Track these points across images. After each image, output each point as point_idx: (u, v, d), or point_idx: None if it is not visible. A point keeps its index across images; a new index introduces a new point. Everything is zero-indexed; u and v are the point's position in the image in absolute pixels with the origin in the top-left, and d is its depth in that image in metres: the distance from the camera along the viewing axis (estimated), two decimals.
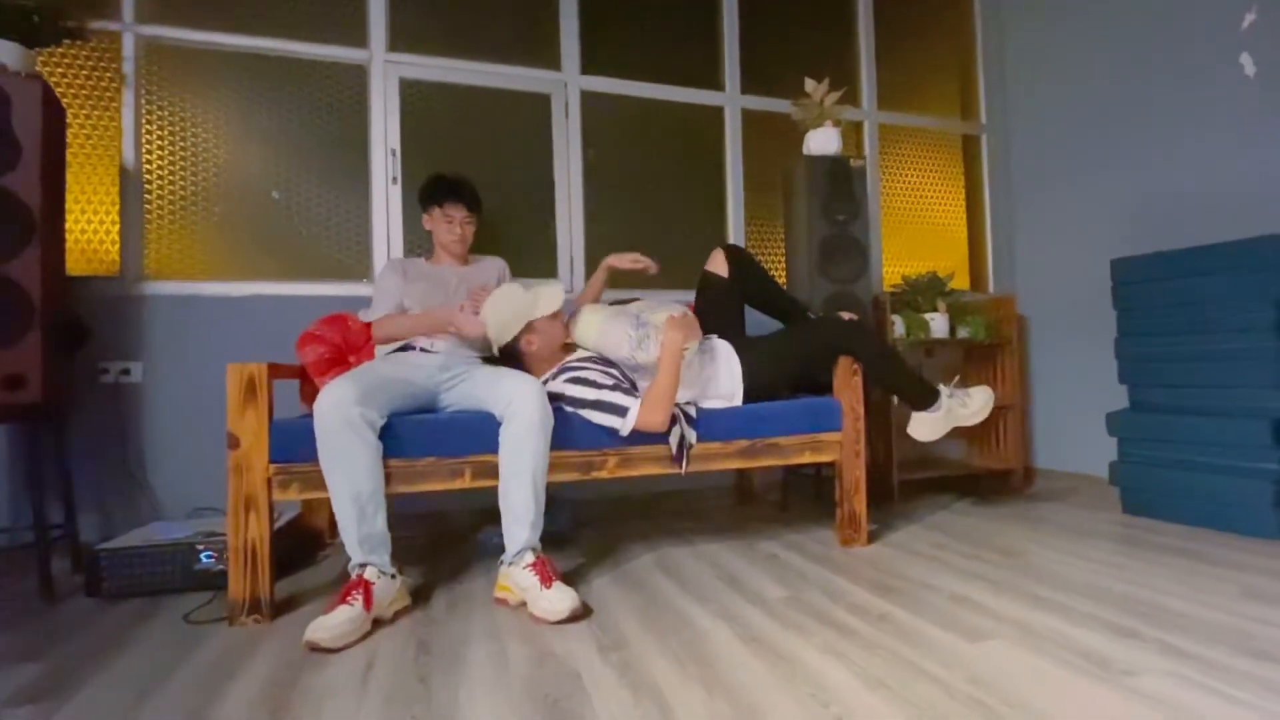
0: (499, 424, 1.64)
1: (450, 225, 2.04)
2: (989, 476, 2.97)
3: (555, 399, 1.75)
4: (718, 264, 2.16)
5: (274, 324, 2.22)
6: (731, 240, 2.92)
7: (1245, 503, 2.01)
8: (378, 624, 1.46)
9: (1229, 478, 2.04)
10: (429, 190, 2.07)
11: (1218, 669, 1.15)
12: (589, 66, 2.74)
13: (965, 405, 2.04)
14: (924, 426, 2.04)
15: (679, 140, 2.89)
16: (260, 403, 1.54)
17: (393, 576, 1.50)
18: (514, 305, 1.80)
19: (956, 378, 2.16)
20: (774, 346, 2.04)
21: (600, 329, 1.91)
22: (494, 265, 2.18)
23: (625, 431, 1.75)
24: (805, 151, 2.59)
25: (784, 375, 2.04)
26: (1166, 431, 2.21)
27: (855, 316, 2.11)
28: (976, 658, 1.23)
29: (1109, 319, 2.53)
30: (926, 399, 2.02)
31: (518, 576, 1.52)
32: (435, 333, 1.86)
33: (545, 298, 1.83)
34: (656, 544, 2.11)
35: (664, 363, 1.79)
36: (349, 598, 1.39)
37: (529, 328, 1.82)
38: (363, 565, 1.47)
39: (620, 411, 1.74)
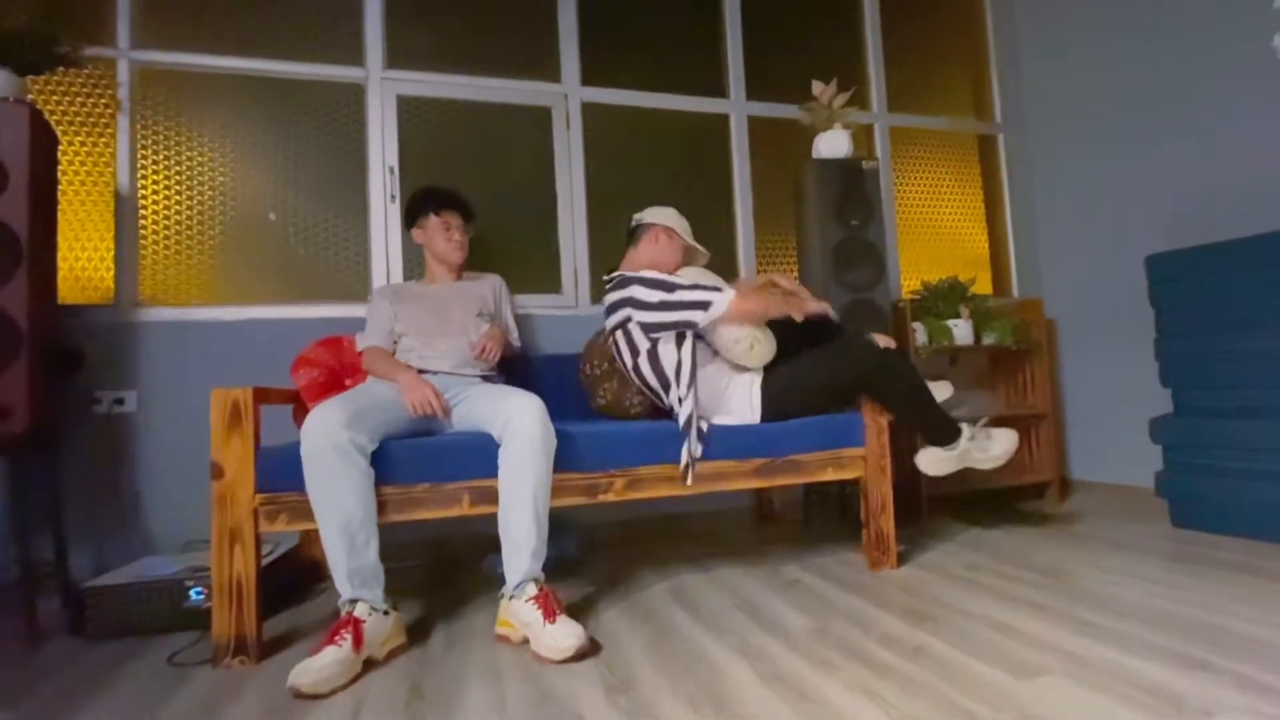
0: (499, 446, 1.55)
1: (449, 233, 1.99)
2: (1023, 490, 2.81)
3: (622, 305, 1.84)
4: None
5: (272, 348, 2.15)
6: (741, 249, 2.82)
7: None
8: (370, 664, 1.35)
9: None
10: (423, 199, 2.00)
11: None
12: (590, 77, 2.68)
13: (984, 449, 1.88)
14: (934, 461, 1.88)
15: (684, 149, 2.81)
16: (246, 430, 1.46)
17: (385, 613, 1.40)
18: (678, 219, 2.03)
19: (984, 419, 1.98)
20: (800, 373, 1.87)
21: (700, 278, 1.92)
22: (489, 282, 2.11)
23: (717, 312, 1.74)
24: (814, 155, 2.49)
25: (808, 404, 1.88)
26: (1217, 437, 2.05)
27: (894, 344, 1.87)
28: (1028, 696, 1.09)
29: (1144, 319, 2.39)
30: (947, 436, 1.87)
31: (519, 611, 1.40)
32: (395, 383, 1.71)
33: (699, 252, 2.08)
34: (670, 570, 1.98)
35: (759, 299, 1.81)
36: (337, 637, 1.29)
37: (666, 229, 1.99)
38: (353, 602, 1.37)
39: (703, 306, 1.75)
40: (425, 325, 1.89)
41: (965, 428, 1.88)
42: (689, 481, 1.73)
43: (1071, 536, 2.15)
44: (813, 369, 1.87)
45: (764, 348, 1.84)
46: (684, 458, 1.72)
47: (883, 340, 1.87)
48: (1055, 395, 2.98)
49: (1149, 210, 2.61)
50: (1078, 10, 2.90)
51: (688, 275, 1.95)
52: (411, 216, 2.03)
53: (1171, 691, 1.08)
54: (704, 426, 1.77)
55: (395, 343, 1.90)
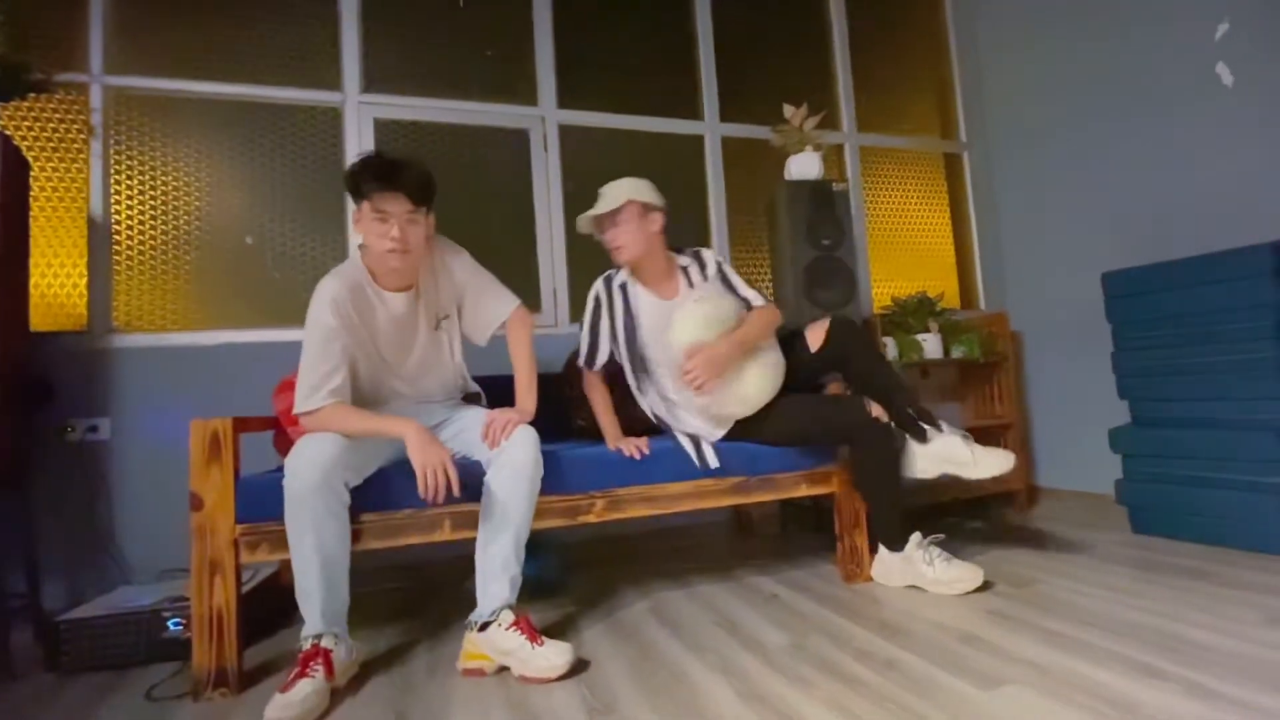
0: (483, 471, 1.56)
1: (383, 225, 1.46)
2: (991, 499, 2.89)
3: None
4: (815, 336, 1.92)
5: (250, 373, 2.15)
6: None
7: (1258, 518, 1.94)
8: (335, 693, 1.36)
9: (1239, 493, 1.98)
10: (354, 179, 1.48)
11: (1251, 710, 1.07)
12: (566, 100, 2.73)
13: (931, 565, 1.75)
14: (882, 566, 1.86)
15: (660, 170, 2.84)
16: (225, 460, 1.46)
17: (344, 637, 1.40)
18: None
19: (941, 536, 1.85)
20: (783, 413, 1.84)
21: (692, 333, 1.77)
22: (450, 281, 1.68)
23: (762, 301, 1.89)
24: (786, 177, 2.56)
25: (770, 436, 1.86)
26: (1171, 447, 2.14)
27: (885, 418, 1.84)
28: (992, 708, 1.14)
29: (1105, 332, 2.48)
30: (893, 538, 1.82)
31: (499, 639, 1.41)
32: (393, 437, 1.50)
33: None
34: (650, 588, 2.01)
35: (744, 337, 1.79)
36: (308, 670, 1.29)
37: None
38: (318, 635, 1.36)
39: (762, 291, 1.90)
40: (397, 356, 1.63)
41: (916, 536, 1.81)
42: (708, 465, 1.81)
43: (1038, 545, 2.22)
44: (795, 414, 1.84)
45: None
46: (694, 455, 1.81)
47: (875, 409, 1.86)
48: (1021, 406, 3.07)
49: (1107, 227, 2.72)
50: (1039, 33, 3.02)
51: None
52: (351, 196, 1.53)
53: (1124, 699, 1.14)
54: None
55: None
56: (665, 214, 1.89)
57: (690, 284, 1.93)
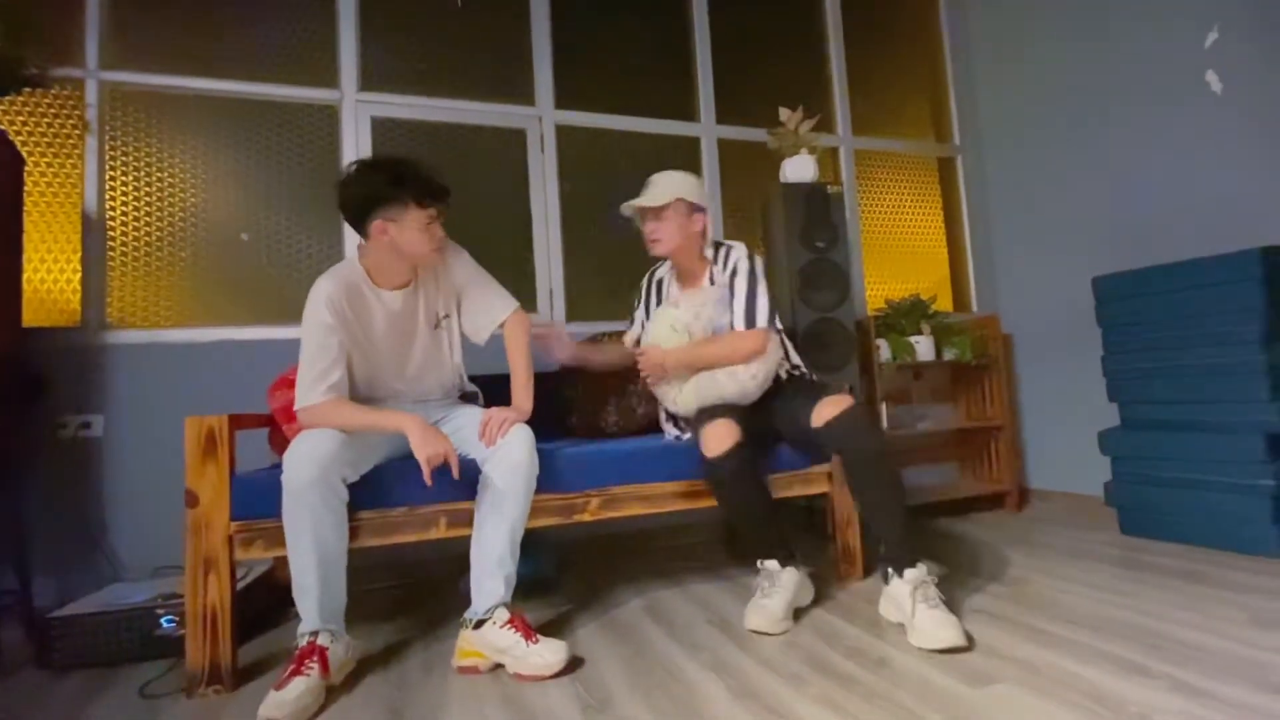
0: (479, 469, 1.56)
1: (432, 229, 1.54)
2: (983, 500, 2.91)
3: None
4: (822, 414, 1.63)
5: (245, 370, 2.15)
6: None
7: (1244, 519, 1.97)
8: (330, 690, 1.36)
9: (1225, 494, 2.00)
10: (398, 183, 1.48)
11: (1235, 708, 1.09)
12: (563, 101, 2.73)
13: (914, 615, 1.44)
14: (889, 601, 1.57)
15: (657, 171, 2.86)
16: (221, 457, 1.46)
17: (341, 635, 1.41)
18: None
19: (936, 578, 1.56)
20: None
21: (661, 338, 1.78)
22: (447, 277, 1.70)
23: (748, 325, 1.73)
24: (781, 179, 2.58)
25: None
26: (1159, 449, 2.17)
27: (727, 444, 1.62)
28: (982, 705, 1.16)
29: (1095, 335, 2.51)
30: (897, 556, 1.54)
31: (494, 637, 1.41)
32: (395, 432, 1.49)
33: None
34: (645, 587, 2.02)
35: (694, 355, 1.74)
36: (304, 667, 1.29)
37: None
38: (315, 632, 1.36)
39: (755, 317, 1.73)
40: (395, 352, 1.63)
41: (921, 570, 1.52)
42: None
43: (1028, 545, 2.25)
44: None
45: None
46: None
47: (712, 437, 1.62)
48: (1012, 407, 3.10)
49: (1098, 231, 2.75)
50: (1032, 40, 3.05)
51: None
52: (372, 204, 1.48)
53: (1112, 696, 1.16)
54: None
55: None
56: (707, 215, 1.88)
57: (713, 283, 1.86)
